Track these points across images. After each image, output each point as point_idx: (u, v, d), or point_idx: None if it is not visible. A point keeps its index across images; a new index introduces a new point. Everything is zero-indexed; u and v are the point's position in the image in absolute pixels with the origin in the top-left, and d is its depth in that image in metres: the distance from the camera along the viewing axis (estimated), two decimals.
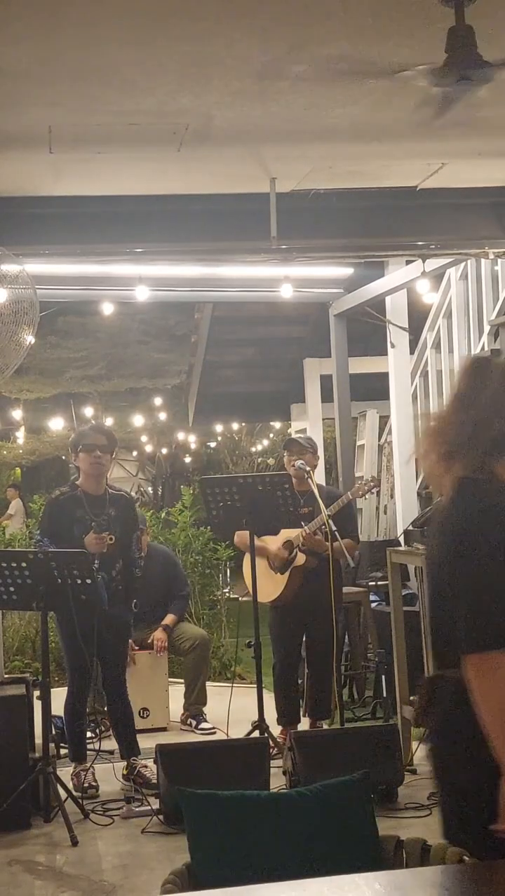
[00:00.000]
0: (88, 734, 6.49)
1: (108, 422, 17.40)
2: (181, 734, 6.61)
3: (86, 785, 5.42)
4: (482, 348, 7.44)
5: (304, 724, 6.24)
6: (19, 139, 4.87)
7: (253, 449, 21.66)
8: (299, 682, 6.43)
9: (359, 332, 9.14)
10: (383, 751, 5.13)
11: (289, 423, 13.49)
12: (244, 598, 7.65)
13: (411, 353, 8.61)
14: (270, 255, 6.12)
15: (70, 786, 5.30)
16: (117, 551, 5.50)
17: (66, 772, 5.48)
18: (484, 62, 3.45)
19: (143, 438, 19.15)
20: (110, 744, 5.87)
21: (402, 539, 6.21)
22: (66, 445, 18.32)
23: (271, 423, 19.45)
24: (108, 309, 8.55)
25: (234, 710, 6.02)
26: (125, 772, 5.51)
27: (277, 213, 5.75)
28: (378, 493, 9.63)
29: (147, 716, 6.53)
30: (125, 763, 5.57)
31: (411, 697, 5.74)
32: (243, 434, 21.15)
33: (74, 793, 5.25)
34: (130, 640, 6.01)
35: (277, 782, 5.15)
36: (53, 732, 5.45)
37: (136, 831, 4.92)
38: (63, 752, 6.04)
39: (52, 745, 5.24)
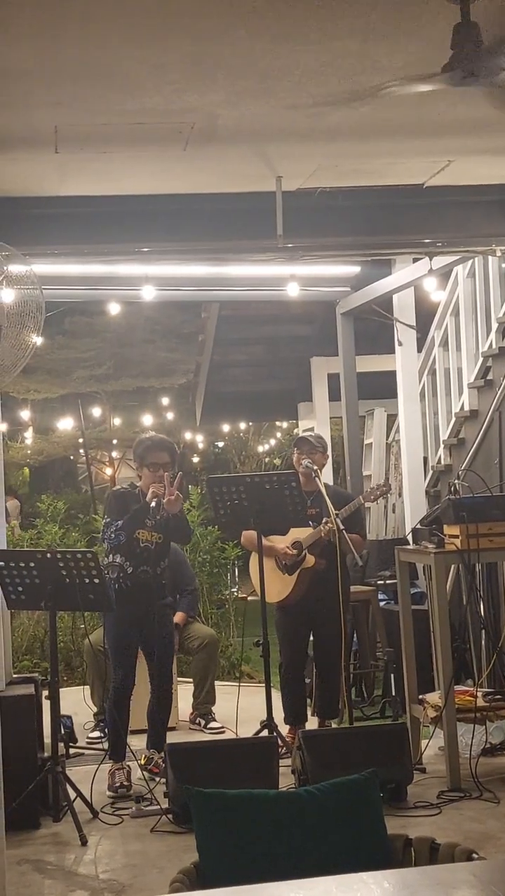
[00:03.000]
0: (97, 734, 6.54)
1: (116, 422, 17.44)
2: (190, 733, 6.62)
3: (117, 784, 5.48)
4: (490, 346, 7.43)
5: (312, 723, 6.24)
6: (25, 139, 4.87)
7: (260, 448, 21.65)
8: (307, 681, 6.42)
9: (366, 331, 9.13)
10: (392, 750, 5.12)
11: (296, 422, 13.49)
12: (252, 598, 7.65)
13: (419, 351, 8.60)
14: (276, 253, 6.11)
15: (105, 784, 5.44)
16: (164, 549, 5.72)
17: (74, 771, 5.49)
18: (490, 59, 3.44)
19: None
20: None
21: (410, 538, 6.19)
22: (74, 445, 18.44)
23: (278, 423, 19.45)
24: (114, 309, 8.56)
25: (243, 709, 6.02)
26: (142, 762, 5.59)
27: (283, 211, 5.74)
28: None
29: None
30: (143, 755, 5.65)
31: (420, 696, 5.74)
32: (250, 434, 21.15)
33: (108, 792, 5.40)
34: None
35: (286, 781, 5.15)
36: (62, 732, 5.46)
37: (145, 830, 4.92)
38: (72, 751, 6.06)
39: (60, 744, 5.25)
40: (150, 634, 5.58)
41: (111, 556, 5.63)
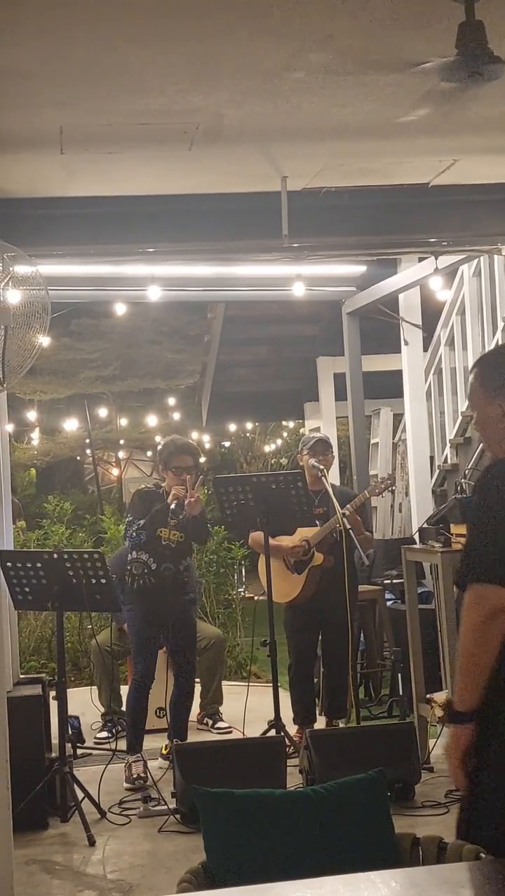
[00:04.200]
0: (105, 734, 6.55)
1: (122, 422, 17.44)
2: (197, 733, 6.62)
3: (135, 776, 5.56)
4: (496, 345, 7.42)
5: (320, 723, 6.23)
6: (31, 140, 4.88)
7: (267, 448, 21.63)
8: (315, 680, 6.42)
9: (372, 330, 9.12)
10: (400, 749, 5.12)
11: (302, 422, 13.48)
12: (260, 598, 7.65)
13: (425, 350, 8.59)
14: (281, 253, 6.11)
15: (122, 776, 5.54)
16: (186, 548, 5.88)
17: (82, 772, 5.50)
18: (495, 57, 3.44)
19: (157, 438, 19.14)
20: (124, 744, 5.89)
21: (417, 537, 6.19)
22: (81, 446, 18.43)
23: (285, 423, 19.42)
24: (120, 310, 8.57)
25: (250, 709, 6.02)
26: (164, 751, 5.76)
27: (289, 211, 5.74)
28: (393, 491, 9.62)
29: (163, 715, 6.53)
30: (165, 745, 5.80)
31: (427, 696, 5.73)
32: (257, 434, 21.13)
33: (125, 783, 5.50)
34: None
35: (294, 781, 5.15)
36: (69, 732, 5.47)
37: (153, 831, 4.93)
38: (80, 752, 6.07)
39: (68, 745, 5.26)
40: (174, 630, 5.71)
41: (135, 552, 5.77)
